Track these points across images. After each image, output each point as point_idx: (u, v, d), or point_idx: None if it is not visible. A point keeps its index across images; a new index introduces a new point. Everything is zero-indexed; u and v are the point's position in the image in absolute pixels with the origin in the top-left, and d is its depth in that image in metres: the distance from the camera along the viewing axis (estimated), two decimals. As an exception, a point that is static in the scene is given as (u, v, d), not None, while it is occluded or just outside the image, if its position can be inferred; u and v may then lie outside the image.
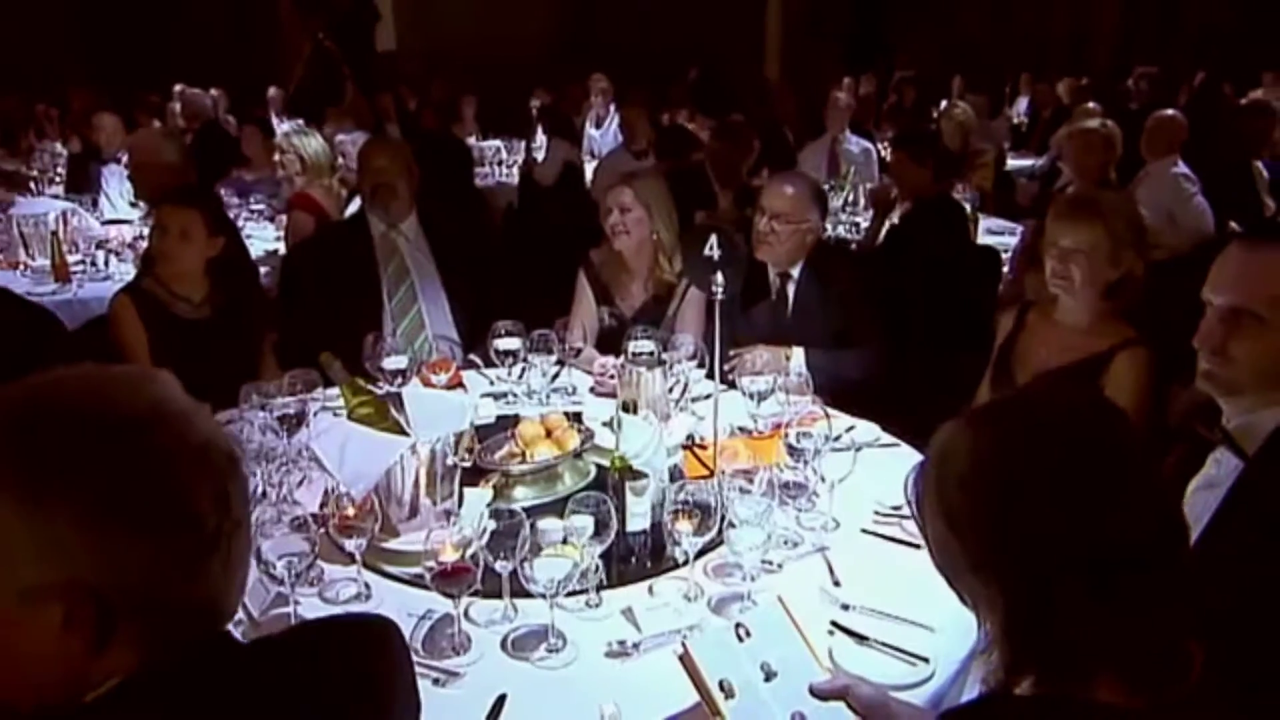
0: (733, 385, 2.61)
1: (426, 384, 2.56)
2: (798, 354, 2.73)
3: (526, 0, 13.21)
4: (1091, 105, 5.72)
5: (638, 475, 1.88)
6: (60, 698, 0.86)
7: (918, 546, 1.94)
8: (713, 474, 2.12)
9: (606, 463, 2.30)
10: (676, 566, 1.87)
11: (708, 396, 2.64)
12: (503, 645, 1.64)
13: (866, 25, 12.53)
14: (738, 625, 1.48)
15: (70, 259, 4.13)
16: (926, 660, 1.58)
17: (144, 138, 3.92)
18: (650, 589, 1.81)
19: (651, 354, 2.51)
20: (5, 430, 0.84)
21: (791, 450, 1.97)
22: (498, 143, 7.19)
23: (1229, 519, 1.45)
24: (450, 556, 1.78)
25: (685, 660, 1.43)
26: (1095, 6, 13.46)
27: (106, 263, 4.25)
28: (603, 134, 7.72)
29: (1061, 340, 2.32)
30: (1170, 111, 4.73)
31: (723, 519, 1.73)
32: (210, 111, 7.21)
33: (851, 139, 6.05)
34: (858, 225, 4.58)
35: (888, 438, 2.41)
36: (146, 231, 4.29)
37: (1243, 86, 9.42)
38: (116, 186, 5.31)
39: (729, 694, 1.39)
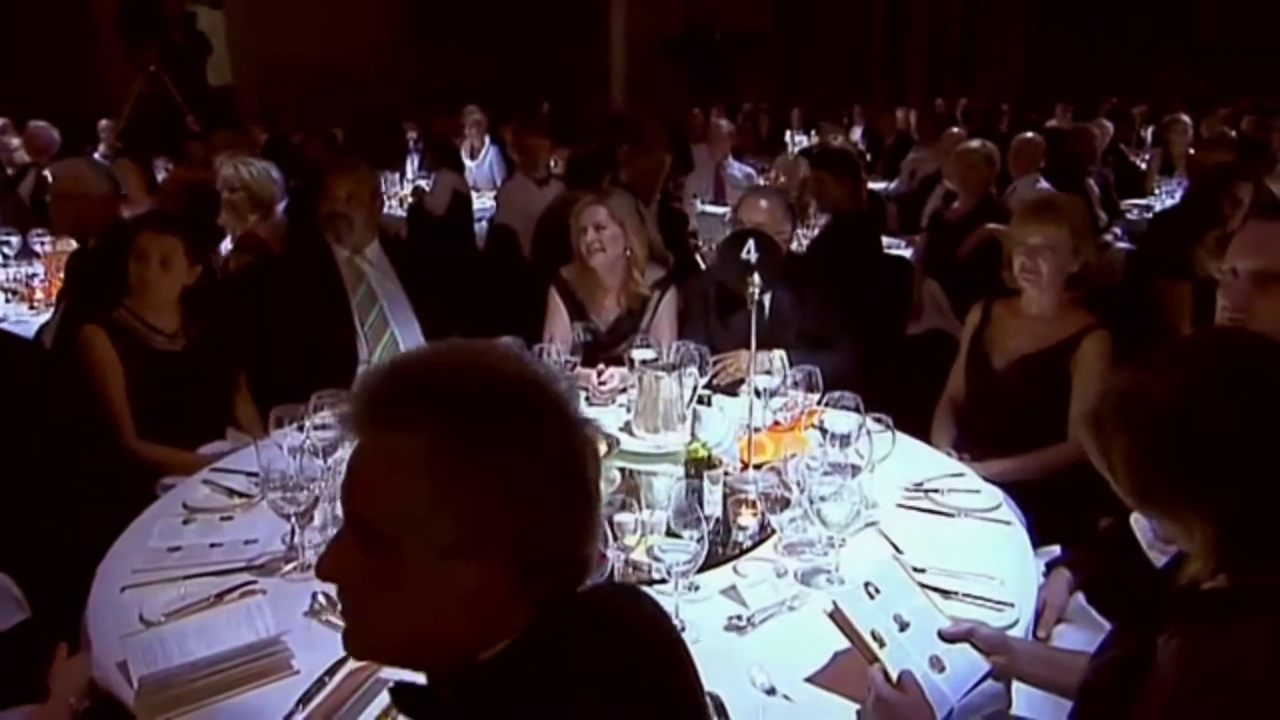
0: (725, 390, 2.78)
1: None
2: (778, 357, 2.90)
3: (367, 35, 13.06)
4: (956, 130, 6.27)
5: (712, 464, 1.99)
6: (460, 657, 0.90)
7: (951, 515, 2.16)
8: (746, 466, 2.26)
9: (632, 465, 2.40)
10: (743, 550, 1.99)
11: (702, 401, 2.78)
12: (625, 630, 1.70)
13: (708, 59, 13.10)
14: (866, 584, 1.62)
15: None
16: (1012, 605, 1.77)
17: (70, 167, 3.64)
18: (735, 569, 1.92)
19: (658, 359, 2.62)
20: (442, 395, 0.88)
21: (834, 437, 2.12)
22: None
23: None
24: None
25: (837, 616, 1.56)
26: (905, 45, 14.68)
27: (-11, 306, 3.95)
28: (478, 165, 7.73)
29: (1030, 329, 2.60)
30: (1030, 134, 5.29)
31: (809, 499, 1.86)
32: (57, 145, 6.73)
33: (733, 164, 6.37)
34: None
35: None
36: (39, 270, 4.04)
37: (1041, 115, 10.53)
38: (-29, 230, 4.91)
39: (880, 643, 1.53)
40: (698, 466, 1.98)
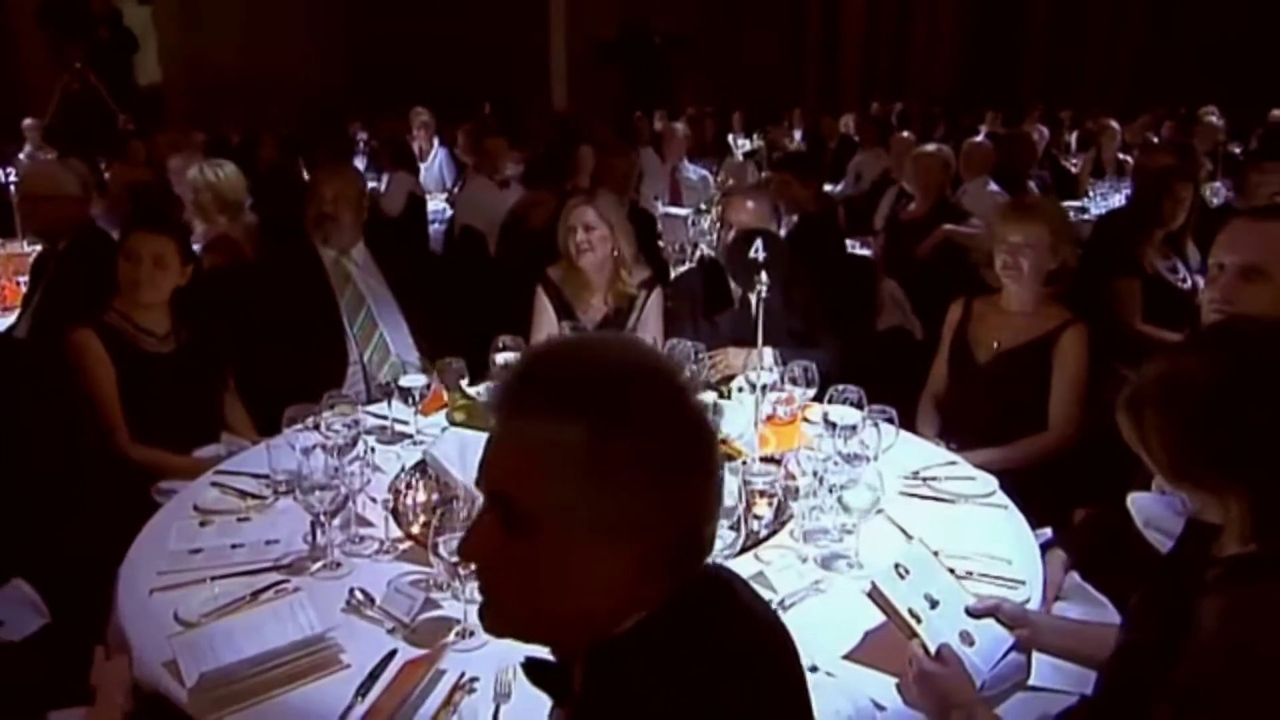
0: (714, 387, 2.84)
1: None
2: (767, 353, 2.98)
3: (301, 34, 12.86)
4: (905, 134, 6.47)
5: (730, 456, 2.06)
6: (595, 632, 0.94)
7: (951, 501, 2.26)
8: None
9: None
10: (759, 539, 2.06)
11: (722, 395, 2.84)
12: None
13: (648, 63, 13.21)
14: (897, 565, 1.71)
15: None
16: (1024, 582, 1.88)
17: (42, 169, 3.53)
18: (757, 556, 1.99)
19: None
20: (595, 385, 0.92)
21: (842, 428, 2.20)
22: (324, 176, 6.97)
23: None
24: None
25: (875, 595, 1.64)
26: (840, 53, 15.02)
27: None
28: (427, 167, 7.68)
29: (1011, 324, 2.73)
30: (980, 138, 5.50)
31: (830, 487, 1.94)
32: (-12, 146, 6.51)
33: (689, 167, 6.46)
34: (730, 244, 4.92)
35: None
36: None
37: (973, 120, 10.89)
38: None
39: (917, 619, 1.61)
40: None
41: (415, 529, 2.05)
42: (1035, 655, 1.72)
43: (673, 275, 4.25)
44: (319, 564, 1.92)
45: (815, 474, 2.00)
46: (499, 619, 0.98)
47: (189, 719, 1.55)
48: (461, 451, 1.90)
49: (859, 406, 2.28)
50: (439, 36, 12.59)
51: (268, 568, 1.92)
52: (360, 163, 7.81)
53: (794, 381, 2.58)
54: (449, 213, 6.68)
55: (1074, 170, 8.18)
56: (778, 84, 13.78)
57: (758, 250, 2.23)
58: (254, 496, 2.22)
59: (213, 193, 3.85)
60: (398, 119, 8.10)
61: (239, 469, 2.35)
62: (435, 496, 2.08)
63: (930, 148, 4.85)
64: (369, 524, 2.07)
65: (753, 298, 3.08)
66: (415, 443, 2.49)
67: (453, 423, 2.03)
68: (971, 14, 14.73)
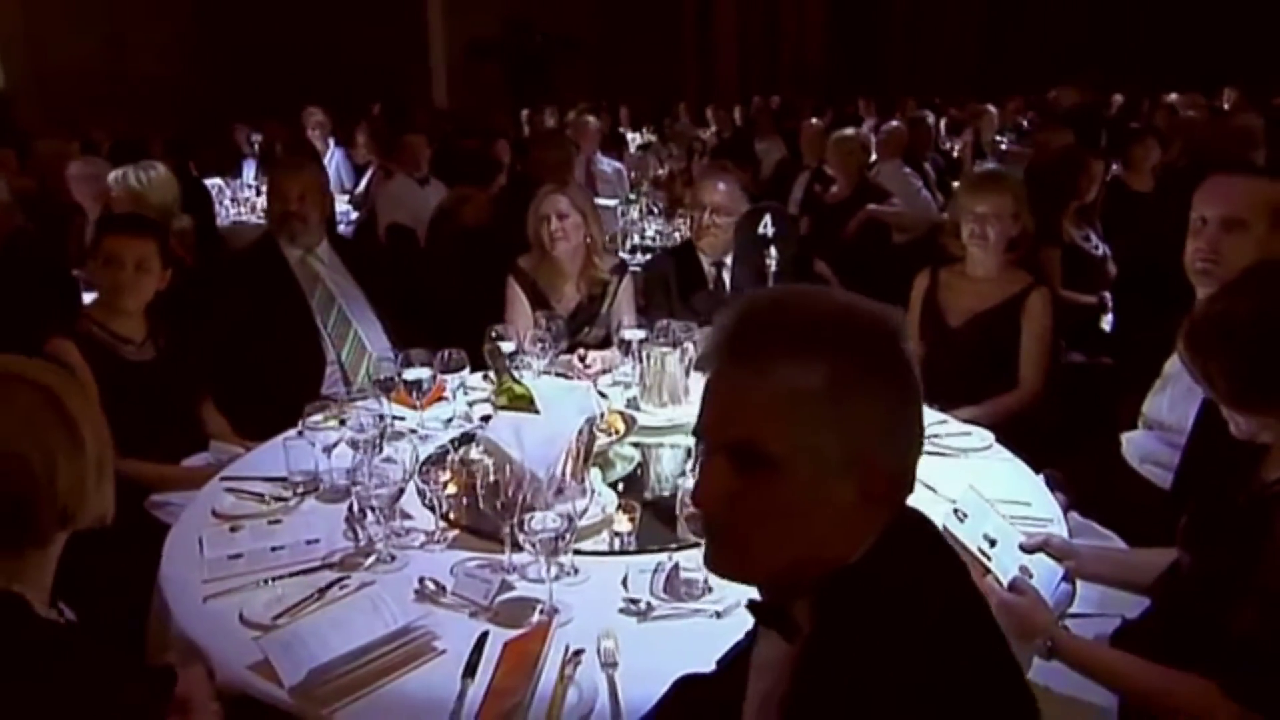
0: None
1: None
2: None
3: (160, 33, 12.24)
4: (815, 121, 6.68)
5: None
6: (828, 564, 0.98)
7: (956, 456, 2.40)
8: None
9: (646, 440, 2.50)
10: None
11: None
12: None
13: (529, 60, 13.17)
14: (956, 510, 1.81)
15: None
16: (1050, 520, 2.01)
17: None
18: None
19: (647, 339, 2.72)
20: (835, 327, 0.96)
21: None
22: (218, 180, 6.72)
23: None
24: (625, 525, 1.94)
25: (946, 536, 1.72)
26: (715, 50, 15.41)
27: None
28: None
29: (978, 289, 2.90)
30: (895, 123, 5.75)
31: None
32: None
33: (603, 160, 6.50)
34: (662, 233, 4.99)
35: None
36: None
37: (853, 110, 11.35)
38: None
39: (987, 556, 1.72)
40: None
41: (453, 516, 2.04)
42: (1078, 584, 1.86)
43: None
44: (372, 558, 1.89)
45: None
46: (732, 562, 1.01)
47: (283, 717, 1.52)
48: (517, 433, 1.90)
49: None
50: (312, 32, 12.20)
51: (318, 566, 1.88)
52: (250, 166, 7.54)
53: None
54: (354, 214, 6.55)
55: (955, 154, 8.64)
56: (657, 80, 13.96)
57: (766, 226, 2.30)
58: (275, 499, 2.15)
59: (133, 198, 3.65)
60: (280, 119, 7.82)
61: (248, 473, 2.27)
62: (473, 483, 2.06)
63: (849, 132, 5.06)
64: (407, 516, 2.05)
65: (727, 277, 3.21)
66: (421, 437, 2.46)
67: (498, 406, 2.02)
68: (836, 10, 15.36)
